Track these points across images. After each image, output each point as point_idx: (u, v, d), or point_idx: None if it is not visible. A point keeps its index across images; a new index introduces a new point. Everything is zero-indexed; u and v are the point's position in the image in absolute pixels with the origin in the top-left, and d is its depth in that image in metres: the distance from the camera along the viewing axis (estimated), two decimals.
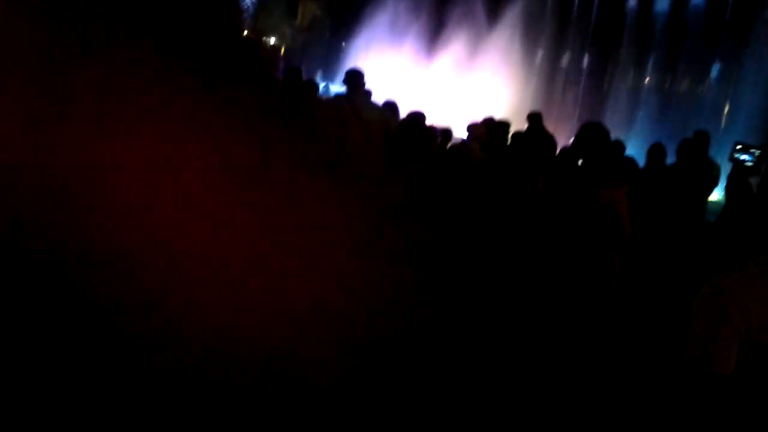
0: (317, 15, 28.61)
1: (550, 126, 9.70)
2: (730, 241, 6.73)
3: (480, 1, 21.67)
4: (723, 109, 18.91)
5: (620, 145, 7.63)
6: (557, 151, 8.73)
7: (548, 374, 5.03)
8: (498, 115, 9.20)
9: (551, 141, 9.11)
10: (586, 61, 21.93)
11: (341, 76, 7.40)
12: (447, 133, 9.26)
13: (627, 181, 5.33)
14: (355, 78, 7.04)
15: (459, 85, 19.91)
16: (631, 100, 20.61)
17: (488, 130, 8.38)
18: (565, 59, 22.20)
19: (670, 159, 7.86)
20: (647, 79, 21.04)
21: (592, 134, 5.16)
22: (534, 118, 9.37)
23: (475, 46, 21.05)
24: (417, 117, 6.37)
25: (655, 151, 8.00)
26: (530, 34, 21.15)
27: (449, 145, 8.92)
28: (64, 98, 2.90)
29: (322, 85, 12.25)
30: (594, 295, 5.10)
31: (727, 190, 7.96)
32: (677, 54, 19.77)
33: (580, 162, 5.63)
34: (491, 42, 20.93)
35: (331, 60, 24.68)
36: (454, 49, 21.06)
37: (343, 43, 24.45)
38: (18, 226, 2.82)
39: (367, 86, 7.36)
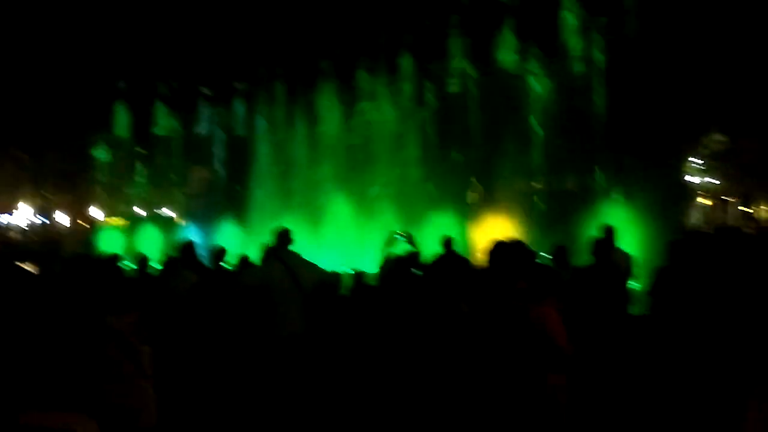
0: (207, 180, 28.73)
1: None
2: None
3: None
4: None
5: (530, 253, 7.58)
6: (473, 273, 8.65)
7: None
8: None
9: (466, 263, 9.07)
10: None
11: None
12: (358, 276, 9.11)
13: (553, 293, 5.16)
14: (284, 236, 6.84)
15: None
16: None
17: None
18: None
19: None
20: None
21: (507, 252, 5.02)
22: (447, 243, 9.34)
23: None
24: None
25: (560, 253, 8.06)
26: None
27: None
28: None
29: None
30: (543, 424, 4.80)
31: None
32: None
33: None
34: None
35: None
36: None
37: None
38: None
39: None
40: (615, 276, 7.30)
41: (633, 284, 8.45)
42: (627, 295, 7.76)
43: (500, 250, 5.04)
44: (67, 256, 20.68)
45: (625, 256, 8.33)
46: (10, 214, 42.47)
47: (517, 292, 4.92)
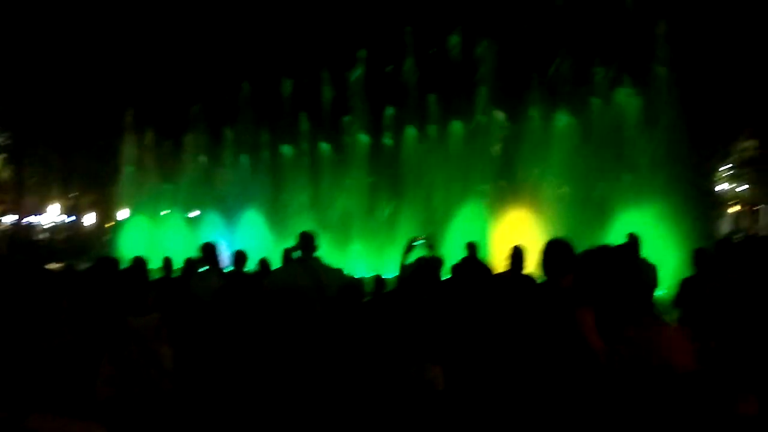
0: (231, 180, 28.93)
1: None
2: None
3: None
4: None
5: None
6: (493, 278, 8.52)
7: None
8: None
9: (487, 271, 8.95)
10: None
11: None
12: (379, 281, 9.04)
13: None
14: (309, 241, 6.79)
15: None
16: None
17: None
18: None
19: None
20: None
21: (557, 251, 4.87)
22: (471, 248, 9.23)
23: None
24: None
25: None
26: None
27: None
28: None
29: None
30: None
31: None
32: None
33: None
34: None
35: None
36: None
37: None
38: None
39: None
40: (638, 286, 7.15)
41: (659, 294, 8.30)
42: (653, 305, 7.62)
43: (550, 249, 4.88)
44: (91, 255, 20.84)
45: (650, 267, 8.16)
46: (40, 215, 42.95)
47: (563, 292, 4.78)
